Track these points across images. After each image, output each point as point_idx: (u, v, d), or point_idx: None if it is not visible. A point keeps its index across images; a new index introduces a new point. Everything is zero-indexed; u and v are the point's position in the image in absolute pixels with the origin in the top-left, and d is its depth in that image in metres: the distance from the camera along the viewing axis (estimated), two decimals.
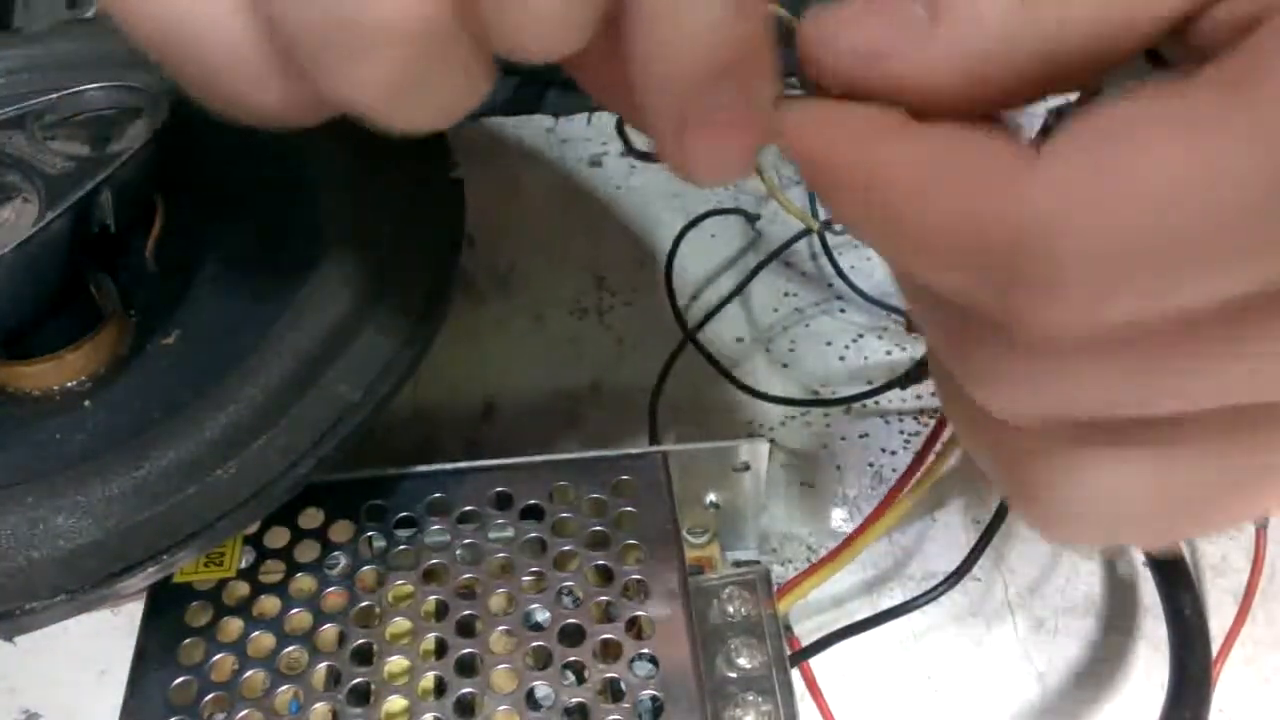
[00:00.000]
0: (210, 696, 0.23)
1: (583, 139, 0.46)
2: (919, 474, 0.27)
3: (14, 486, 0.24)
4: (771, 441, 0.28)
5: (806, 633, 0.28)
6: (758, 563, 0.28)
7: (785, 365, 0.37)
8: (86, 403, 0.26)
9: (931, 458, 0.28)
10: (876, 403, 0.36)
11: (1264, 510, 0.17)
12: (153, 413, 0.25)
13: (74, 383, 0.27)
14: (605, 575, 0.25)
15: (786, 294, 0.40)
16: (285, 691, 0.23)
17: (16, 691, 0.29)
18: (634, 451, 0.27)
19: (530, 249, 0.42)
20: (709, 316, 0.35)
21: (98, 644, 0.29)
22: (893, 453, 0.35)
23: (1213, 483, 0.16)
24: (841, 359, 0.38)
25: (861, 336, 0.38)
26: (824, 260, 0.40)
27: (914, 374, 0.32)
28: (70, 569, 0.22)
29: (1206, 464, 0.16)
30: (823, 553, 0.32)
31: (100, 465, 0.24)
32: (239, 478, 0.24)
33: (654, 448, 0.27)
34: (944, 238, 0.14)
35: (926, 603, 0.28)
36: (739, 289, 0.36)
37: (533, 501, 0.26)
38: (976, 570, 0.31)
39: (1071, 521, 0.17)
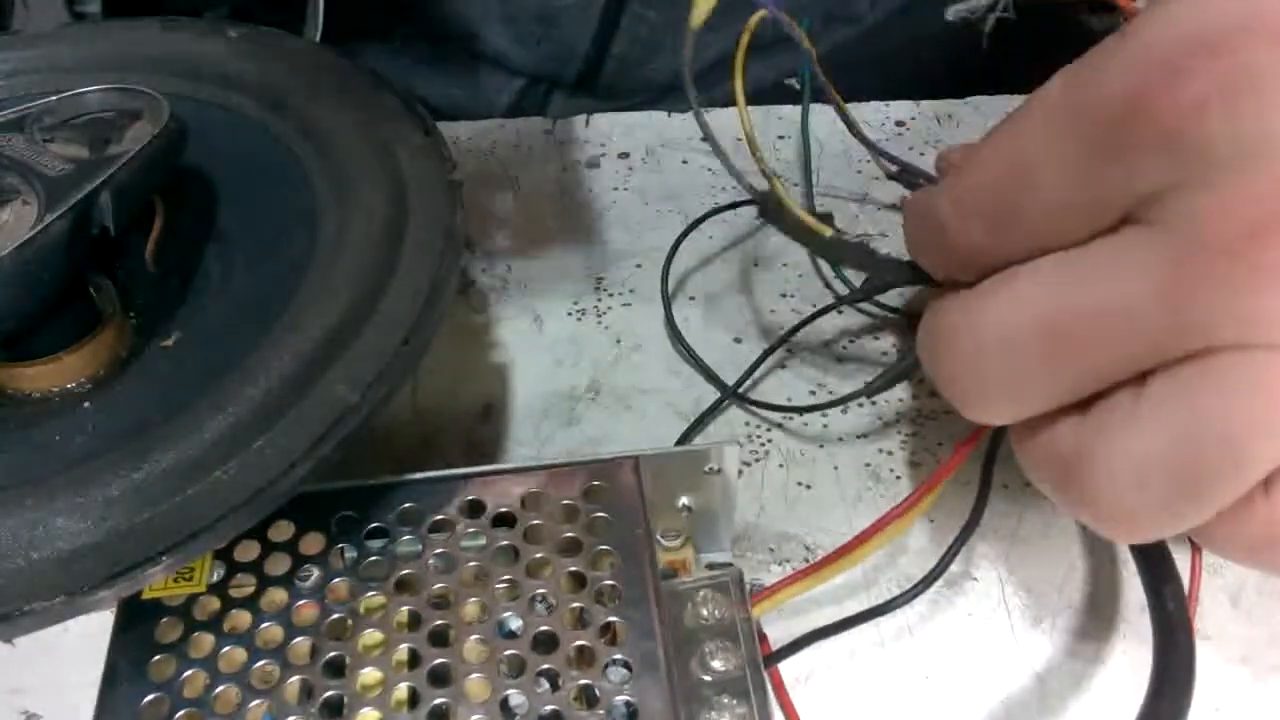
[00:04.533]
0: (182, 713, 0.22)
1: (581, 140, 0.47)
2: (916, 500, 0.27)
3: (13, 488, 0.24)
4: (739, 444, 0.28)
5: (776, 635, 0.28)
6: (731, 565, 0.28)
7: (783, 366, 0.38)
8: (86, 404, 0.26)
9: (928, 493, 0.28)
10: (874, 403, 0.36)
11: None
12: (152, 414, 0.25)
13: (73, 384, 0.27)
14: (578, 581, 0.25)
15: (784, 294, 0.40)
16: (258, 706, 0.23)
17: (16, 692, 0.29)
18: (605, 457, 0.27)
19: (528, 250, 0.42)
20: (747, 374, 0.36)
21: (98, 645, 0.29)
22: (889, 453, 0.35)
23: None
24: (839, 359, 0.38)
25: (859, 336, 0.38)
26: (822, 260, 0.41)
27: (877, 385, 0.33)
28: (69, 570, 0.22)
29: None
30: (819, 553, 0.32)
31: (99, 467, 0.24)
32: (238, 479, 0.24)
33: (625, 453, 0.27)
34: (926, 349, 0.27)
35: (896, 608, 0.28)
36: (777, 344, 0.37)
37: (504, 509, 0.26)
38: (972, 569, 0.31)
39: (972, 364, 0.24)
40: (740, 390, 0.36)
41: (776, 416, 0.36)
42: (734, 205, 0.41)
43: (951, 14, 0.27)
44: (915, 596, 0.28)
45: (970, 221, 0.24)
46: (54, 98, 0.29)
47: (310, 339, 0.26)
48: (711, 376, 0.36)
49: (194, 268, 0.30)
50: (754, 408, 0.36)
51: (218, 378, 0.26)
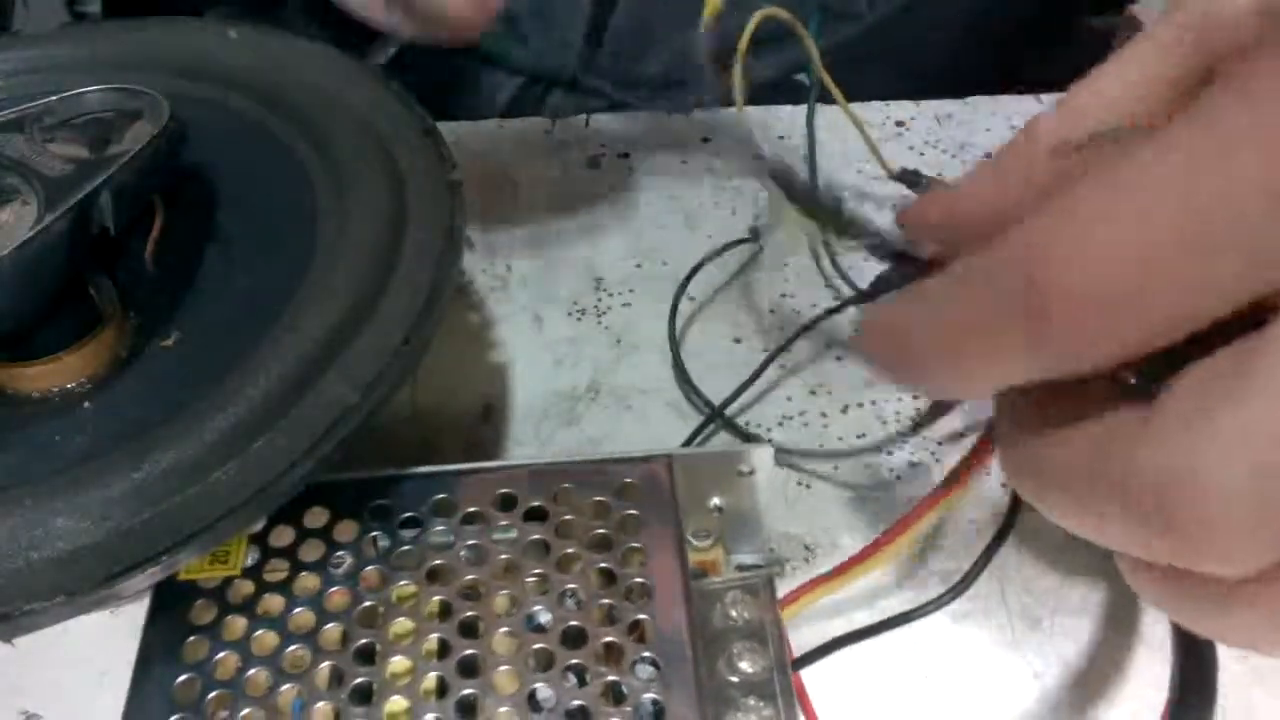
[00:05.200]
0: (213, 694, 0.23)
1: (580, 140, 0.46)
2: (941, 501, 0.27)
3: (13, 488, 0.24)
4: (772, 445, 0.28)
5: (802, 638, 0.28)
6: (761, 567, 0.28)
7: (783, 366, 0.38)
8: (86, 404, 0.26)
9: (959, 487, 0.28)
10: (874, 403, 0.36)
11: None
12: (152, 414, 0.25)
13: (73, 384, 0.27)
14: (608, 578, 0.25)
15: (784, 294, 0.40)
16: (288, 690, 0.23)
17: (16, 692, 0.29)
18: (638, 455, 0.27)
19: (528, 250, 0.42)
20: (737, 393, 0.35)
21: (98, 645, 0.29)
22: (889, 453, 0.35)
23: None
24: (839, 359, 0.38)
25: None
26: (823, 260, 0.41)
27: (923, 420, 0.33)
28: (69, 570, 0.22)
29: None
30: (819, 552, 0.32)
31: (99, 467, 0.24)
32: (238, 479, 0.24)
33: (658, 451, 0.27)
34: (1095, 502, 0.17)
35: (927, 614, 0.28)
36: (772, 357, 0.36)
37: (537, 503, 0.26)
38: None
39: None
40: (736, 398, 0.36)
41: (776, 413, 0.36)
42: (737, 242, 0.41)
43: None
44: (944, 604, 0.28)
45: (1096, 299, 0.15)
46: (54, 98, 0.29)
47: (310, 339, 0.26)
48: (695, 389, 0.36)
49: (194, 268, 0.30)
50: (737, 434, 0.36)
51: (218, 378, 0.26)
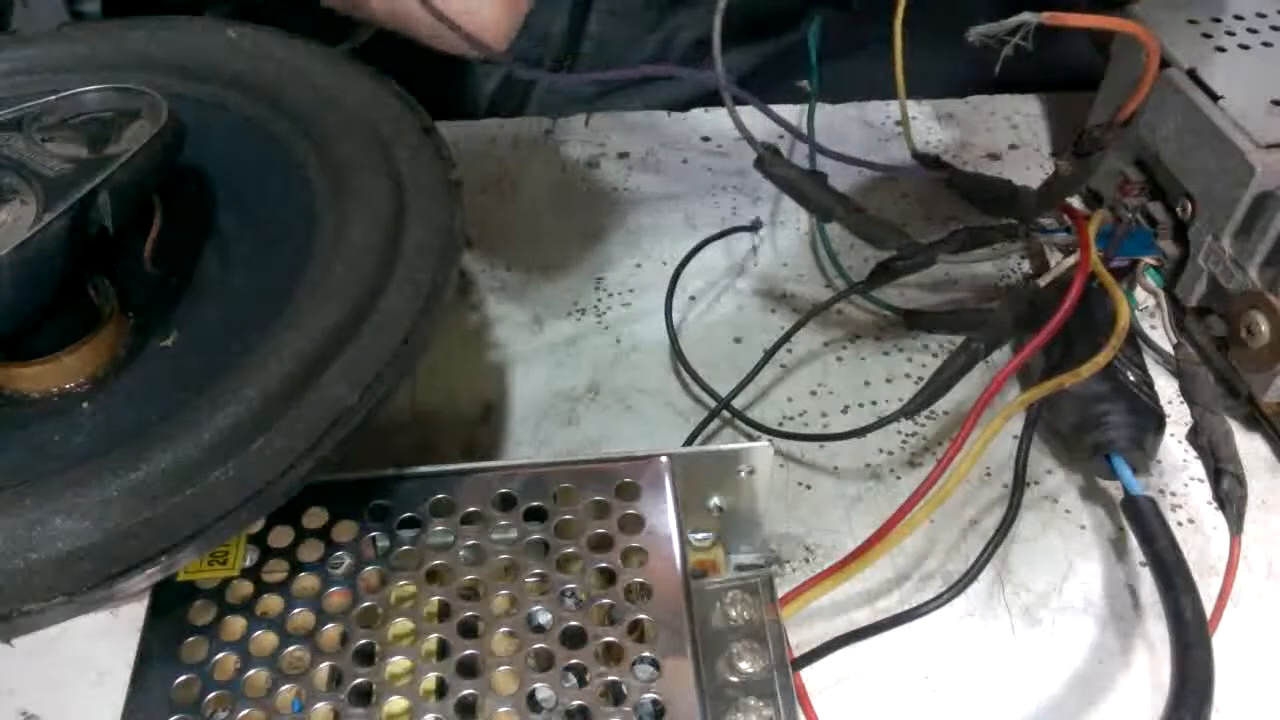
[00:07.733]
0: (212, 695, 0.23)
1: (580, 141, 0.46)
2: (930, 493, 0.27)
3: (12, 488, 0.24)
4: (771, 444, 0.28)
5: (802, 638, 0.28)
6: (761, 566, 0.28)
7: (783, 365, 0.38)
8: (85, 404, 0.26)
9: (944, 477, 0.28)
10: (873, 403, 0.36)
11: None
12: (151, 414, 0.25)
13: (72, 384, 0.27)
14: (607, 578, 0.25)
15: (784, 294, 0.40)
16: (287, 691, 0.23)
17: (15, 693, 0.29)
18: (638, 454, 0.27)
19: (528, 250, 0.42)
20: (741, 385, 0.35)
21: (96, 646, 0.29)
22: (889, 453, 0.35)
23: None
24: (839, 359, 0.38)
25: (859, 336, 0.38)
26: (823, 258, 0.41)
27: (913, 406, 0.32)
28: (68, 571, 0.22)
29: None
30: (819, 553, 0.32)
31: (98, 467, 0.24)
32: (237, 479, 0.24)
33: (658, 451, 0.27)
34: None
35: (927, 612, 0.28)
36: (774, 349, 0.36)
37: (536, 503, 0.26)
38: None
39: None
40: (741, 390, 0.36)
41: (775, 414, 0.36)
42: (733, 230, 0.41)
43: (973, 35, 0.27)
44: (947, 601, 0.28)
45: None
46: (53, 97, 0.29)
47: (309, 339, 0.26)
48: (700, 381, 0.36)
49: (193, 267, 0.30)
50: (744, 424, 0.36)
51: (217, 377, 0.26)
